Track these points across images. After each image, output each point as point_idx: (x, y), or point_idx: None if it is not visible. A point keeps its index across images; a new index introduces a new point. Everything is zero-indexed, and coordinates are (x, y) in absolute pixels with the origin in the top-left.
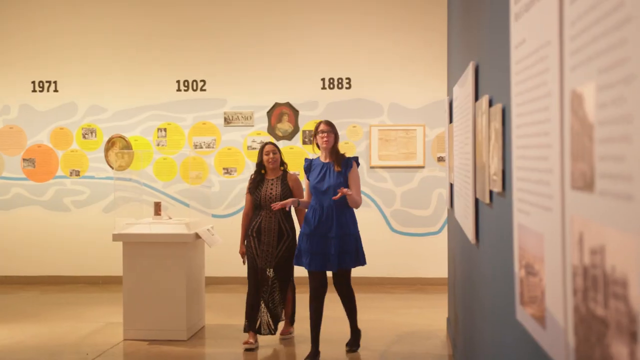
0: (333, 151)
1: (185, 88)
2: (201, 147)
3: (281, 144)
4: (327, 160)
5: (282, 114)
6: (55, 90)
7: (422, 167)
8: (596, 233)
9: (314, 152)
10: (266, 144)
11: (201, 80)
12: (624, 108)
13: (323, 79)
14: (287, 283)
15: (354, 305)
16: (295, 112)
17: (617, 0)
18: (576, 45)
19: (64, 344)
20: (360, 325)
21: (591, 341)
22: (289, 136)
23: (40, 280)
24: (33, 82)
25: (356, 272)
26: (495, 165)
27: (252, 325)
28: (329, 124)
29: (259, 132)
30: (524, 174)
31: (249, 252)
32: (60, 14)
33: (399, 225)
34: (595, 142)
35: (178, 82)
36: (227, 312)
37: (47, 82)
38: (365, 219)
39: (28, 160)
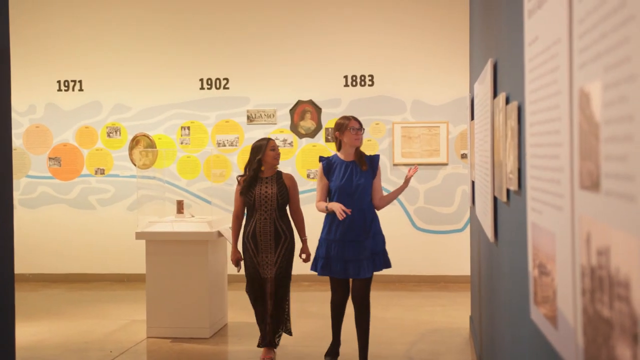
0: (358, 150)
1: (209, 86)
2: (224, 145)
3: (304, 142)
4: (351, 159)
5: (304, 112)
6: (81, 90)
7: (446, 164)
8: (602, 233)
9: (337, 151)
10: (268, 139)
11: (224, 79)
12: (626, 107)
13: (346, 76)
14: (286, 295)
15: (368, 323)
16: (318, 110)
17: None
18: (584, 43)
19: (88, 341)
20: (383, 323)
21: (598, 342)
22: (312, 134)
23: (65, 278)
24: (59, 82)
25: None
26: (511, 163)
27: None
28: (358, 120)
29: (281, 130)
30: (537, 172)
31: (248, 261)
32: (85, 15)
33: (423, 223)
34: (600, 141)
35: (201, 80)
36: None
37: (72, 81)
38: (389, 216)
39: (54, 159)
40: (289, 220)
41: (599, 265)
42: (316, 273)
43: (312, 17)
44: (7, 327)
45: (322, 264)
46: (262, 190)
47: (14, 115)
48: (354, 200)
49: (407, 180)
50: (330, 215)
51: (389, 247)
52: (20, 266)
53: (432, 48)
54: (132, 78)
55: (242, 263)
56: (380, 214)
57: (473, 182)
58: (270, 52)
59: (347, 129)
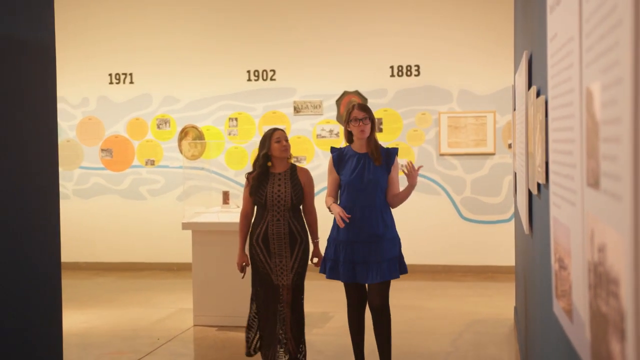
0: (371, 141)
1: (256, 78)
2: None
3: None
4: (364, 151)
5: (350, 102)
6: (131, 82)
7: (493, 154)
8: (601, 231)
9: (347, 143)
10: (274, 129)
11: (271, 70)
12: (616, 109)
13: (392, 67)
14: (301, 306)
15: (389, 332)
16: (364, 100)
17: (613, 1)
18: (589, 43)
19: (136, 328)
20: (427, 313)
21: (599, 338)
22: None
23: (116, 266)
24: (110, 75)
25: (425, 260)
26: (539, 156)
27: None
28: (364, 108)
29: (328, 121)
30: (557, 167)
31: (258, 266)
32: (135, 9)
33: (469, 213)
34: (600, 140)
35: (248, 72)
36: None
37: (123, 74)
38: (435, 206)
39: (106, 151)
40: (304, 221)
41: (599, 262)
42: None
43: (358, 7)
44: (55, 313)
45: (330, 265)
46: (275, 188)
47: (67, 107)
48: (365, 197)
49: (410, 178)
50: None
51: (434, 237)
52: (74, 255)
53: (479, 37)
54: (181, 70)
55: (247, 269)
56: (425, 203)
57: (515, 173)
58: (317, 43)
59: (350, 119)
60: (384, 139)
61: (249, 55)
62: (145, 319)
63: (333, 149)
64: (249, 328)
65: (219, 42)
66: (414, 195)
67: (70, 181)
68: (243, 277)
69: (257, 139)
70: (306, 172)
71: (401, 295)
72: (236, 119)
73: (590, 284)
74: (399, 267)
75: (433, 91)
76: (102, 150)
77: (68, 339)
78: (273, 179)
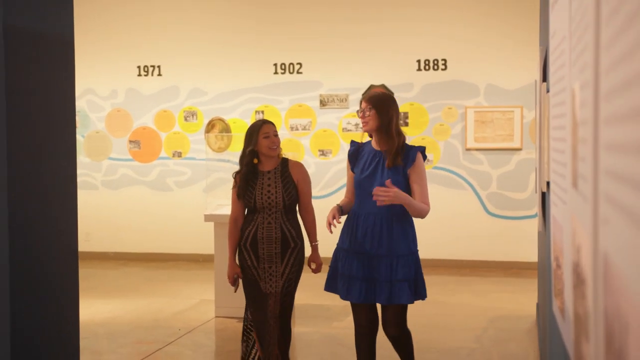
0: (383, 136)
1: (282, 71)
2: (297, 129)
3: None
4: (379, 149)
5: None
6: (159, 75)
7: (520, 149)
8: (578, 231)
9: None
10: (262, 122)
11: (297, 63)
12: (585, 112)
13: (418, 61)
14: (288, 318)
15: (411, 353)
16: (390, 94)
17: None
18: (573, 43)
19: (158, 318)
20: (449, 309)
21: (577, 338)
22: None
23: (144, 257)
24: (138, 67)
25: (450, 254)
26: (546, 153)
27: None
28: (371, 97)
29: (354, 115)
30: (554, 165)
31: (247, 273)
32: (163, 1)
33: (495, 208)
34: (578, 141)
35: (275, 65)
36: (316, 291)
37: (151, 66)
38: (460, 201)
39: (134, 142)
40: (299, 223)
41: (577, 262)
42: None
43: (385, 1)
44: (72, 303)
45: (329, 275)
46: (264, 189)
47: (96, 99)
48: (373, 202)
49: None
50: (347, 217)
51: (460, 232)
52: (103, 245)
53: (506, 31)
54: (209, 63)
55: (240, 282)
56: (450, 198)
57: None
58: (343, 36)
59: (360, 109)
60: (410, 133)
61: (275, 49)
62: (168, 310)
63: (353, 143)
64: (244, 338)
65: (246, 35)
66: (439, 190)
67: (99, 172)
68: (235, 291)
69: (282, 132)
70: (299, 166)
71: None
72: (262, 112)
73: (574, 283)
74: (414, 291)
75: (460, 85)
76: (130, 141)
77: (91, 327)
78: (262, 178)
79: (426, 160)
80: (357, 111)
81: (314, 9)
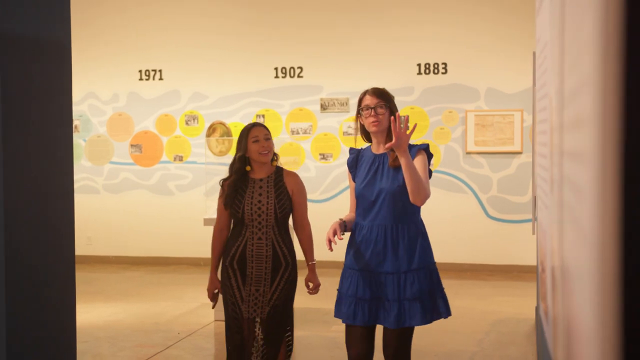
0: (389, 136)
1: (283, 75)
2: (298, 133)
3: None
4: (382, 152)
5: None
6: (161, 79)
7: (520, 152)
8: (552, 235)
9: (366, 141)
10: (252, 125)
11: (298, 67)
12: (547, 122)
13: (419, 64)
14: (278, 344)
15: None
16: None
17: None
18: (550, 50)
19: (159, 322)
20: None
21: (556, 341)
22: None
23: (145, 260)
24: (140, 71)
25: (450, 258)
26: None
27: None
28: (379, 93)
29: (354, 118)
30: (539, 170)
31: (227, 293)
32: (164, 6)
33: (495, 212)
34: (555, 146)
35: (276, 69)
36: (315, 295)
37: (152, 70)
38: (461, 205)
39: (135, 146)
40: (292, 240)
41: (553, 266)
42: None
43: (386, 5)
44: (69, 306)
45: (337, 299)
46: (254, 199)
47: (98, 103)
48: (377, 212)
49: (395, 137)
50: (351, 232)
51: (460, 235)
52: (104, 249)
53: (506, 35)
54: (210, 67)
55: (219, 297)
56: (451, 202)
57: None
58: (344, 40)
59: (362, 107)
60: (411, 137)
61: (276, 53)
62: (169, 313)
63: (352, 150)
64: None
65: (247, 40)
66: (439, 193)
67: (100, 176)
68: (214, 307)
69: (283, 136)
70: (294, 176)
71: None
72: (263, 116)
73: (552, 287)
74: (431, 310)
75: (460, 89)
76: (132, 145)
77: (92, 331)
78: (253, 186)
79: (431, 158)
80: (360, 110)
81: (314, 13)
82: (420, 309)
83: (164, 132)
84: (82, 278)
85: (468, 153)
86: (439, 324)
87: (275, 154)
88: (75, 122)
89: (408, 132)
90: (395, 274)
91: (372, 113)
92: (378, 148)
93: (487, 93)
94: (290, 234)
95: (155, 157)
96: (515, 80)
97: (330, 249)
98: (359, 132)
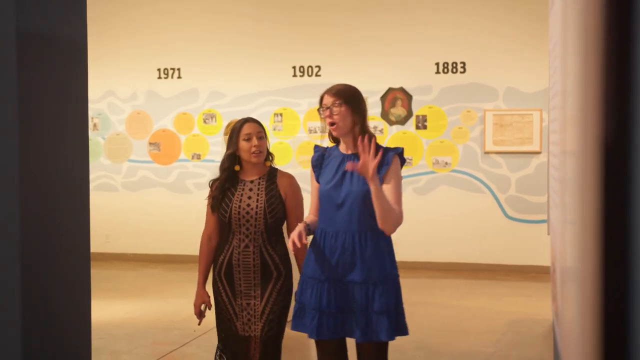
0: (353, 136)
1: (301, 74)
2: (315, 132)
3: (394, 129)
4: (350, 152)
5: (395, 99)
6: (179, 77)
7: (539, 152)
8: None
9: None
10: (244, 121)
11: (316, 66)
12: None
13: (437, 63)
14: None
15: None
16: (409, 97)
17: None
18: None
19: (175, 320)
20: (465, 312)
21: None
22: (402, 121)
23: (164, 258)
24: (159, 70)
25: (468, 258)
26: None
27: None
28: (337, 91)
29: (372, 117)
30: (552, 170)
31: (221, 309)
32: (184, 4)
33: (514, 212)
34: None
35: (294, 67)
36: None
37: (171, 69)
38: (479, 204)
39: (153, 144)
40: (285, 248)
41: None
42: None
43: (403, 4)
44: (85, 304)
45: (295, 311)
46: (243, 202)
47: (117, 101)
48: (342, 216)
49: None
50: (312, 238)
51: (478, 235)
52: (122, 246)
53: (525, 34)
54: (228, 66)
55: (207, 312)
56: (469, 201)
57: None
58: (362, 39)
59: (321, 107)
60: (429, 136)
61: (294, 51)
62: (185, 311)
63: (317, 148)
64: None
65: (265, 38)
66: (457, 192)
67: (119, 174)
68: (199, 323)
69: (301, 135)
70: (289, 178)
71: (441, 294)
72: (281, 115)
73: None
74: (395, 325)
75: (479, 88)
76: (150, 143)
77: (109, 328)
78: (242, 188)
79: (404, 164)
80: (318, 110)
81: (332, 12)
82: (387, 324)
83: (182, 131)
84: (100, 275)
85: (486, 153)
86: (454, 323)
87: (270, 154)
88: (95, 120)
89: (375, 160)
90: (364, 284)
91: (328, 114)
92: (347, 148)
93: (505, 92)
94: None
95: (173, 155)
96: (535, 79)
97: (292, 249)
98: (326, 133)
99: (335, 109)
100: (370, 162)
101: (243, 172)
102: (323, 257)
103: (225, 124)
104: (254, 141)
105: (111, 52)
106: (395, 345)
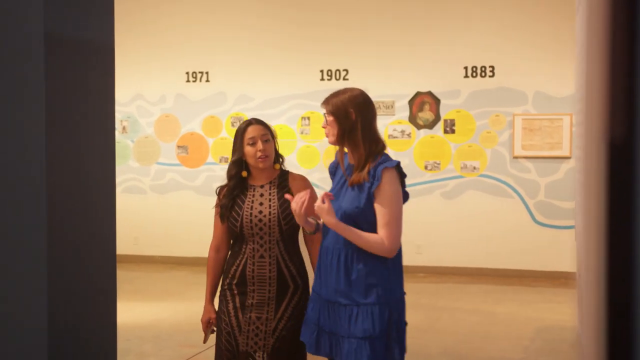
0: (350, 147)
1: (329, 77)
2: None
3: (422, 133)
4: (353, 162)
5: (423, 103)
6: (207, 81)
7: (569, 157)
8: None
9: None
10: (249, 123)
11: (344, 70)
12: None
13: (465, 67)
14: None
15: None
16: (437, 101)
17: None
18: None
19: (198, 322)
20: (492, 317)
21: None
22: (430, 125)
23: (191, 261)
24: (187, 73)
25: (496, 263)
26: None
27: None
28: (325, 101)
29: (400, 121)
30: (578, 174)
31: (222, 320)
32: (212, 8)
33: (543, 217)
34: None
35: (321, 71)
36: None
37: (199, 72)
38: (507, 209)
39: (182, 147)
40: (302, 258)
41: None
42: None
43: (433, 7)
44: (110, 306)
45: (305, 319)
46: (254, 208)
47: (146, 105)
48: (333, 233)
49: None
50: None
51: (506, 241)
52: (150, 248)
53: (555, 38)
54: (256, 69)
55: (214, 329)
56: (497, 206)
57: None
58: (390, 43)
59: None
60: (457, 141)
61: (322, 55)
62: None
63: (337, 154)
64: None
65: (293, 42)
66: (485, 197)
67: (147, 176)
68: (205, 341)
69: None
70: (302, 180)
71: (469, 299)
72: (308, 118)
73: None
74: (383, 355)
75: (507, 92)
76: (178, 146)
77: (136, 330)
78: (252, 194)
79: (405, 178)
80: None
81: (360, 16)
82: (369, 352)
83: (210, 134)
84: (128, 277)
85: (515, 157)
86: (482, 329)
87: (280, 156)
88: (124, 123)
89: (299, 203)
90: (348, 306)
91: (323, 124)
92: (351, 157)
93: (535, 96)
94: (302, 251)
95: (201, 159)
96: (564, 83)
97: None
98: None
99: (327, 119)
100: (295, 206)
101: (252, 177)
102: (320, 272)
103: None
104: (259, 145)
105: (140, 57)
106: (421, 351)
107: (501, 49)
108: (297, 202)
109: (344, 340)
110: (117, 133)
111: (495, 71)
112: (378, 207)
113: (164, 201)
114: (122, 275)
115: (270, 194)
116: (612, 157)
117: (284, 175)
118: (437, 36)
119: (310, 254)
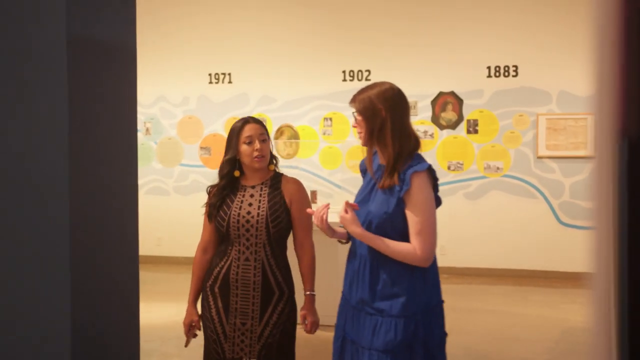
0: (379, 147)
1: (351, 78)
2: None
3: (445, 133)
4: (384, 162)
5: (446, 103)
6: (230, 82)
7: (594, 157)
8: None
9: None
10: (244, 121)
11: (366, 70)
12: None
13: (489, 67)
14: None
15: None
16: (460, 101)
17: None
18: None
19: None
20: (516, 319)
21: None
22: (453, 125)
23: None
24: (210, 75)
25: (521, 264)
26: None
27: None
28: (353, 99)
29: (422, 122)
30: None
31: (207, 327)
32: (234, 10)
33: (568, 218)
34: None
35: (344, 72)
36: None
37: (222, 74)
38: (532, 210)
39: (204, 149)
40: (288, 264)
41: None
42: None
43: (455, 7)
44: (133, 307)
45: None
46: (243, 209)
47: (169, 106)
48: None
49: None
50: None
51: (530, 241)
52: (173, 249)
53: (578, 36)
54: (278, 70)
55: (197, 333)
56: (521, 207)
57: None
58: (412, 43)
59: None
60: (480, 141)
61: (344, 55)
62: None
63: (369, 151)
64: None
65: (315, 43)
66: (509, 198)
67: (170, 178)
68: (187, 345)
69: (351, 140)
70: (295, 183)
71: (493, 300)
72: (331, 119)
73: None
74: None
75: (531, 92)
76: (201, 148)
77: (159, 331)
78: (242, 194)
79: (436, 182)
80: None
81: (383, 16)
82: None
83: None
84: (151, 278)
85: (539, 157)
86: (506, 330)
87: (274, 157)
88: (147, 125)
89: (319, 214)
90: (374, 316)
91: (354, 124)
92: (382, 157)
93: (559, 96)
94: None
95: None
96: (589, 82)
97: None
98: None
99: (356, 118)
100: (316, 222)
101: (244, 177)
102: (348, 278)
103: (275, 128)
104: (256, 145)
105: (163, 59)
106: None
107: (524, 49)
108: (317, 217)
109: (364, 351)
110: (140, 135)
111: (518, 71)
112: (409, 215)
113: (187, 202)
114: (145, 277)
115: (261, 195)
116: (632, 156)
117: (278, 177)
118: (459, 36)
119: (299, 262)
